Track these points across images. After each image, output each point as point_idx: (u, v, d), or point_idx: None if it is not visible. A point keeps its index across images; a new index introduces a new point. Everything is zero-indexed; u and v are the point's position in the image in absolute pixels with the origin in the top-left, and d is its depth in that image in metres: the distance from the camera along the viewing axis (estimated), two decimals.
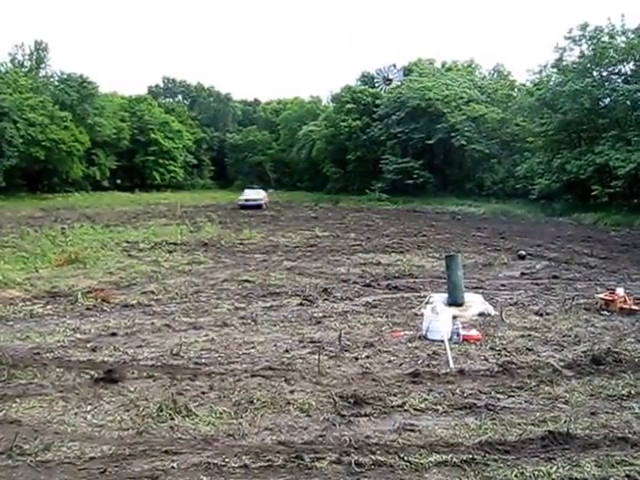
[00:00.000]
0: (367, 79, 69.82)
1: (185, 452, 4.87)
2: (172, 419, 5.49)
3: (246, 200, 42.36)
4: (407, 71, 63.54)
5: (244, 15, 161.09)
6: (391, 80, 67.69)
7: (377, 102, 57.96)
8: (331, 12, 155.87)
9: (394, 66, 69.89)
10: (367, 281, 12.78)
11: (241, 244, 19.47)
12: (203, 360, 7.28)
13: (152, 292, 11.49)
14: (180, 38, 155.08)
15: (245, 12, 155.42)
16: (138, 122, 66.36)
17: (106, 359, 7.32)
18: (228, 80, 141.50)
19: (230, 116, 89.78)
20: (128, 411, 5.71)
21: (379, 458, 4.72)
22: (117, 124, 60.94)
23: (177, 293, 11.41)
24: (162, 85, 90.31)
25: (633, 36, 36.40)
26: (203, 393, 6.17)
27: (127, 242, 19.17)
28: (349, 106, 60.13)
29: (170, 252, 17.07)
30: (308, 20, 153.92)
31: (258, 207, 40.64)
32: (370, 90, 62.77)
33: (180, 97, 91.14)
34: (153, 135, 66.40)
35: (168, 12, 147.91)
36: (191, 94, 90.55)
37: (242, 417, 5.57)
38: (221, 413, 5.64)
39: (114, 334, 8.48)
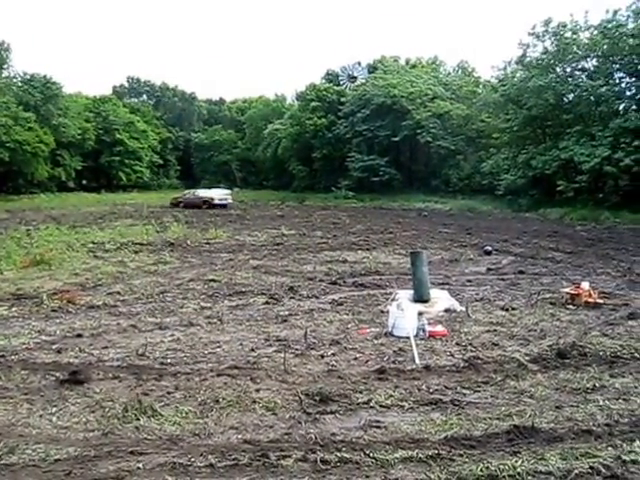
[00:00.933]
0: (332, 77, 69.99)
1: (151, 452, 4.78)
2: (138, 419, 5.39)
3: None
4: (372, 69, 63.94)
5: (208, 14, 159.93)
6: (356, 78, 68.05)
7: (342, 100, 58.06)
8: (295, 10, 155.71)
9: (359, 64, 70.31)
10: (333, 279, 12.75)
11: (207, 243, 19.32)
12: (169, 360, 7.17)
13: (118, 293, 11.33)
14: (144, 37, 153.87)
15: (209, 11, 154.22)
16: (103, 122, 65.65)
17: (71, 360, 7.17)
18: (193, 79, 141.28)
19: (195, 115, 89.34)
20: (93, 412, 5.60)
21: (345, 455, 4.67)
22: (82, 124, 60.19)
23: (143, 293, 11.27)
24: (127, 85, 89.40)
25: (596, 32, 36.88)
26: (169, 393, 6.08)
27: (93, 243, 18.87)
28: (314, 104, 60.10)
29: (136, 252, 16.85)
30: (272, 18, 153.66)
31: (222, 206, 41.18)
32: (335, 88, 62.94)
33: (145, 97, 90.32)
34: (118, 135, 65.80)
35: (132, 11, 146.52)
36: (156, 94, 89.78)
37: (208, 416, 5.49)
38: (187, 413, 5.55)
39: (80, 335, 8.32)
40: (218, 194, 43.95)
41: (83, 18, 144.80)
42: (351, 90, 60.71)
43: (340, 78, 70.63)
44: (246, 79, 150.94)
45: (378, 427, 5.23)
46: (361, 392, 6.03)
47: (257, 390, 6.12)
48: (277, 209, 39.32)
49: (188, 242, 19.39)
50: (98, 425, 5.31)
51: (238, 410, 5.63)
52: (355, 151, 53.46)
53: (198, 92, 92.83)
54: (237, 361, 7.07)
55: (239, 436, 5.09)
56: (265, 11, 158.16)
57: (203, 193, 44.00)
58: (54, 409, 5.70)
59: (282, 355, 7.05)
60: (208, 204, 40.93)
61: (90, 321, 9.18)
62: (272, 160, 68.82)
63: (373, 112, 51.85)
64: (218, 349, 7.63)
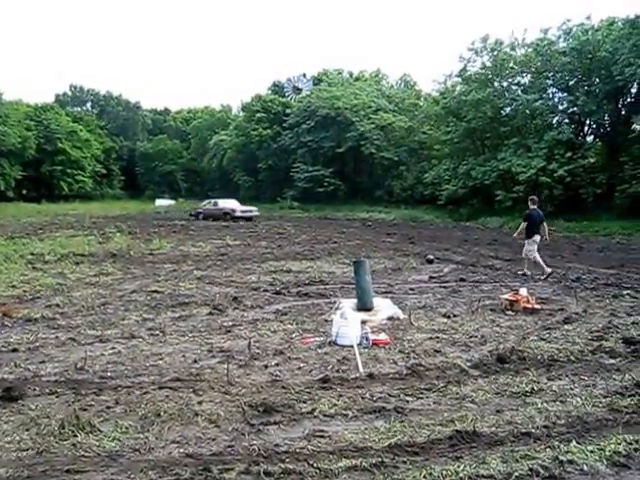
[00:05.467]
0: (277, 88, 70.27)
1: (88, 470, 4.60)
2: (75, 436, 5.17)
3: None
4: (316, 80, 64.39)
5: (153, 22, 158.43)
6: (301, 89, 68.38)
7: (287, 111, 58.40)
8: (241, 21, 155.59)
9: (304, 75, 70.74)
10: (277, 289, 12.69)
11: (151, 254, 18.97)
12: (109, 374, 6.95)
13: (57, 305, 10.96)
14: (88, 45, 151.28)
15: (154, 19, 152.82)
16: (45, 131, 64.32)
17: (6, 376, 6.86)
18: (137, 88, 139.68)
19: (140, 125, 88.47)
20: (28, 430, 5.35)
21: (288, 466, 4.62)
22: (22, 133, 58.88)
23: (83, 306, 10.93)
24: (69, 93, 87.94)
25: (530, 49, 38.22)
26: (108, 408, 5.88)
27: (32, 254, 18.28)
28: (260, 115, 60.23)
29: (77, 264, 16.40)
30: (219, 28, 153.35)
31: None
32: (280, 99, 63.22)
33: (88, 106, 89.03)
34: (60, 144, 64.58)
35: (75, 18, 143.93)
36: (99, 102, 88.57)
37: (149, 431, 5.33)
38: (127, 427, 5.38)
39: (15, 350, 7.99)
40: (240, 206, 41.34)
41: (24, 24, 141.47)
42: (296, 101, 61.06)
43: (285, 89, 70.93)
44: (191, 89, 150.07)
45: (322, 436, 5.19)
46: (305, 402, 6.00)
47: (200, 402, 6.01)
48: (222, 219, 39.02)
49: (131, 253, 19.02)
50: (32, 443, 5.07)
51: (180, 423, 5.51)
52: (300, 162, 53.74)
53: (143, 101, 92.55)
54: (179, 373, 6.93)
55: (181, 450, 4.97)
56: (211, 21, 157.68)
57: (224, 204, 41.45)
58: None
59: (225, 366, 6.94)
60: (230, 216, 38.66)
61: (27, 335, 8.85)
62: (217, 170, 68.61)
63: (318, 123, 52.25)
64: (160, 361, 7.47)
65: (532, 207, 15.66)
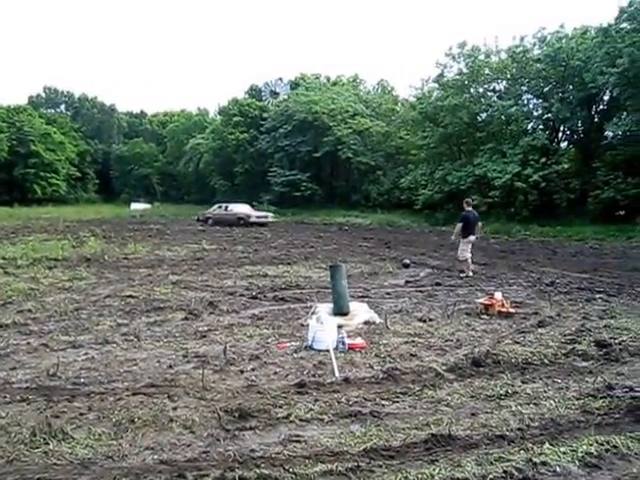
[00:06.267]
0: (255, 92, 70.28)
1: (60, 478, 4.51)
2: (47, 444, 5.08)
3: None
4: (294, 85, 64.47)
5: (129, 24, 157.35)
6: (278, 93, 68.44)
7: (264, 115, 58.38)
8: (219, 24, 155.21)
9: (281, 80, 70.85)
10: (254, 293, 12.65)
11: (125, 259, 18.78)
12: (82, 380, 6.85)
13: (29, 310, 10.78)
14: (63, 46, 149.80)
15: (130, 21, 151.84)
16: (17, 133, 63.48)
17: None
18: (113, 90, 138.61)
19: (115, 128, 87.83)
20: None
21: (264, 471, 4.59)
22: None
23: (56, 311, 10.77)
24: (43, 95, 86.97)
25: (505, 56, 38.69)
26: (81, 414, 5.79)
27: (3, 259, 18.00)
28: (237, 119, 60.13)
29: (50, 268, 16.17)
30: (196, 31, 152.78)
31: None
32: (258, 103, 63.20)
33: (63, 108, 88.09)
34: (34, 147, 63.75)
35: (49, 18, 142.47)
36: (74, 105, 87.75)
37: (122, 437, 5.26)
38: (100, 434, 5.30)
39: None
40: (255, 211, 39.79)
41: None
42: (273, 106, 61.10)
43: (263, 93, 70.96)
44: (168, 92, 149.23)
45: (298, 441, 5.17)
46: (281, 407, 5.97)
47: (174, 408, 5.95)
48: (198, 223, 38.81)
49: (105, 257, 18.82)
50: (3, 452, 4.96)
51: (154, 430, 5.45)
52: (277, 166, 53.74)
53: (118, 104, 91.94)
54: (154, 379, 6.86)
55: (155, 457, 4.91)
56: (188, 24, 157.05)
57: (238, 209, 39.46)
58: None
59: (201, 371, 6.89)
60: (244, 221, 36.97)
61: None
62: (194, 174, 68.36)
63: (295, 128, 52.30)
64: (134, 367, 7.39)
65: (468, 209, 16.28)
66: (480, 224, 16.52)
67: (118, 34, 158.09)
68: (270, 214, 39.84)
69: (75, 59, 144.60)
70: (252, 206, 42.39)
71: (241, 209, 39.50)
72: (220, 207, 40.50)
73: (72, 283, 13.98)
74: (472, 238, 15.80)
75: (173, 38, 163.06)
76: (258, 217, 38.03)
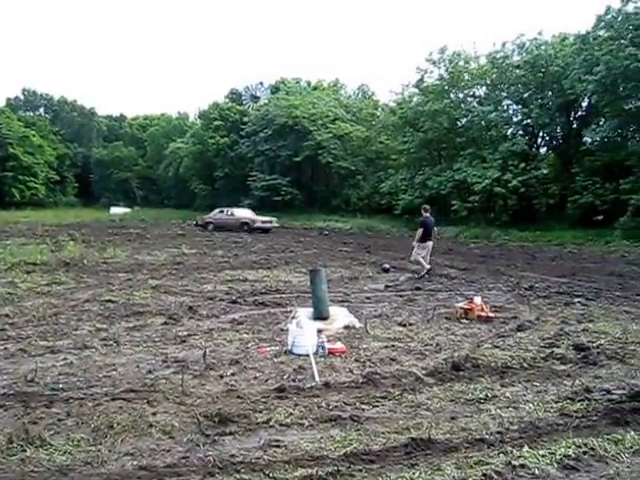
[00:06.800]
0: (235, 96, 70.17)
1: None
2: (24, 451, 4.98)
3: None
4: (274, 89, 64.49)
5: (109, 28, 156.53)
6: (258, 98, 68.39)
7: (245, 119, 58.35)
8: (200, 28, 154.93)
9: (261, 84, 70.84)
10: (234, 298, 12.58)
11: (105, 263, 18.61)
12: (60, 385, 6.75)
13: (7, 315, 10.62)
14: (41, 48, 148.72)
15: (110, 25, 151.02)
16: None
17: None
18: (92, 94, 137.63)
19: (95, 131, 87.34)
20: None
21: (244, 476, 4.55)
22: None
23: (34, 316, 10.63)
24: (22, 97, 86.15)
25: (485, 62, 38.99)
26: (59, 420, 5.70)
27: None
28: (217, 123, 60.04)
29: (28, 272, 15.97)
30: (176, 35, 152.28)
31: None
32: (238, 107, 63.13)
33: (42, 111, 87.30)
34: (12, 150, 63.05)
35: (27, 19, 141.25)
36: (53, 107, 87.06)
37: (101, 443, 5.18)
38: (78, 440, 5.22)
39: None
40: (259, 216, 38.09)
41: None
42: (254, 110, 61.07)
43: (243, 98, 70.88)
44: (148, 96, 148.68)
45: (278, 446, 5.14)
46: (261, 411, 5.94)
47: (154, 413, 5.89)
48: (178, 228, 38.57)
49: (84, 262, 18.63)
50: None
51: (134, 435, 5.39)
52: (257, 170, 53.74)
53: (98, 107, 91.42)
54: (133, 384, 6.78)
55: (134, 462, 4.85)
56: (169, 27, 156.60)
57: (241, 213, 38.38)
58: None
59: (180, 376, 6.83)
60: (248, 227, 35.73)
61: None
62: (174, 178, 68.11)
63: (275, 132, 52.35)
64: (113, 372, 7.31)
65: (425, 215, 16.95)
66: (436, 229, 17.32)
67: (98, 37, 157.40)
68: (274, 219, 38.59)
69: (54, 62, 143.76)
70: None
71: (245, 214, 38.42)
72: (222, 212, 38.94)
73: (51, 287, 13.82)
74: (429, 244, 16.63)
75: (153, 42, 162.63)
76: (263, 222, 36.85)
